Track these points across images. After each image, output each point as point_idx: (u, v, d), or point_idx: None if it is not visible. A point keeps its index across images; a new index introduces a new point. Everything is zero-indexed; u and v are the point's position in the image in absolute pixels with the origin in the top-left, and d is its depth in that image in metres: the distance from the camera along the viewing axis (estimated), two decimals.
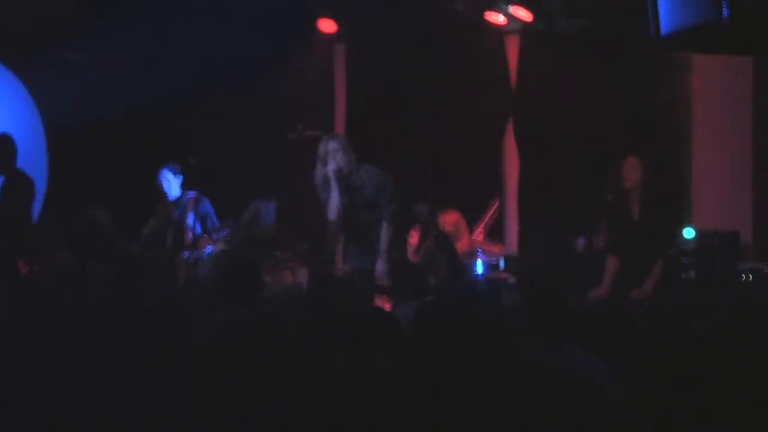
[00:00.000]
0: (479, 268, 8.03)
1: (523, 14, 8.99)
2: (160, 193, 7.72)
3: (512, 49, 9.51)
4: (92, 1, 8.60)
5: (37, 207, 7.99)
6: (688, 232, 7.23)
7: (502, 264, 8.21)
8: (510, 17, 9.10)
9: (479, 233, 8.31)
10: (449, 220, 8.28)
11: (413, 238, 8.22)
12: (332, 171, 6.88)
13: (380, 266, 6.85)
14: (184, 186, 7.83)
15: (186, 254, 7.56)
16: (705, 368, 3.51)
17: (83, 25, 8.53)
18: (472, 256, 8.11)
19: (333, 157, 6.91)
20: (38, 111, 9.09)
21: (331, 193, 6.93)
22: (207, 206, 7.76)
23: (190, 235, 7.60)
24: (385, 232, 6.96)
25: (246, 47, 9.09)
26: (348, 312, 4.24)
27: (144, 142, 9.04)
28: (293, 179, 9.77)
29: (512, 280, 7.95)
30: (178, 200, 7.76)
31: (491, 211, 8.55)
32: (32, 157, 8.56)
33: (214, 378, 3.48)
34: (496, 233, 8.99)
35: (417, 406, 3.26)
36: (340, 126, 10.16)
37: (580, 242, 8.21)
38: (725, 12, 3.52)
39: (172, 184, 7.78)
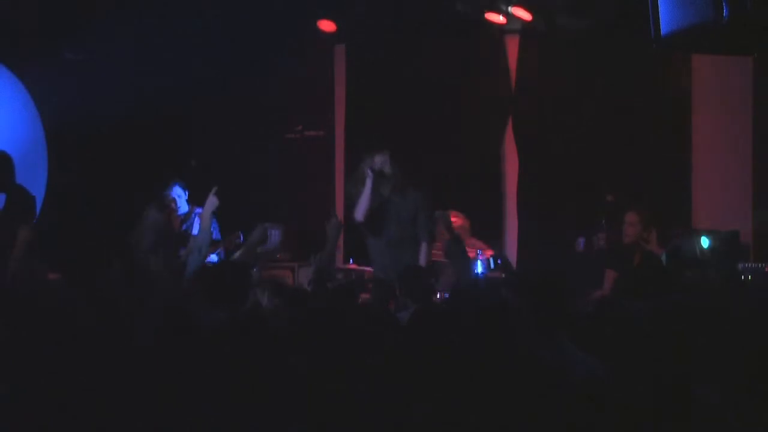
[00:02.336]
0: (479, 268, 8.02)
1: (523, 14, 8.99)
2: (171, 206, 7.73)
3: (512, 49, 9.51)
4: (92, 1, 8.59)
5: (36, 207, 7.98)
6: (704, 241, 7.30)
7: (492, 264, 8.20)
8: (510, 17, 9.09)
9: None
10: (455, 223, 8.25)
11: None
12: (371, 169, 6.93)
13: None
14: (190, 197, 7.85)
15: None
16: (705, 368, 3.52)
17: (83, 25, 8.52)
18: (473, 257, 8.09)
19: (379, 163, 6.98)
20: (38, 111, 9.08)
21: (364, 192, 6.98)
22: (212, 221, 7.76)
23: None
24: (423, 251, 7.02)
25: (246, 47, 9.09)
26: (347, 312, 4.24)
27: (143, 141, 9.04)
28: (293, 179, 9.78)
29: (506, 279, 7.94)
30: (186, 215, 7.76)
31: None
32: (32, 158, 8.56)
33: (214, 377, 3.48)
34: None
35: (416, 405, 3.26)
36: (339, 126, 10.15)
37: (580, 242, 8.22)
38: (725, 12, 3.52)
39: (181, 199, 7.80)
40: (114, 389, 3.47)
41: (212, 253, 7.62)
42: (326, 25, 9.63)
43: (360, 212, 7.08)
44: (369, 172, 6.99)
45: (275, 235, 7.02)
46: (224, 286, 4.81)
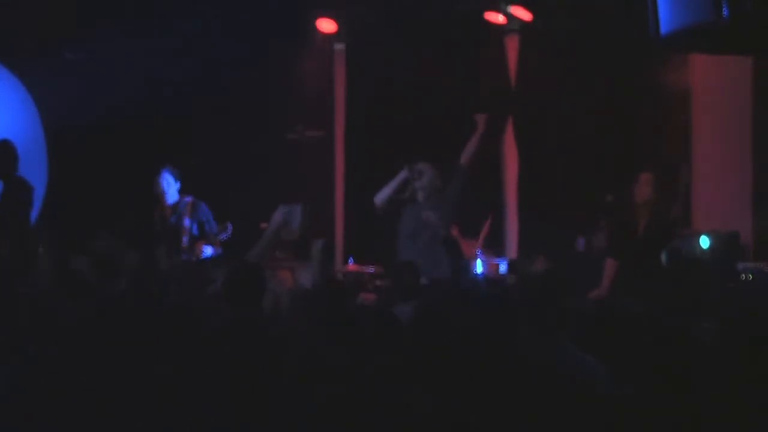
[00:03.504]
0: (479, 268, 8.02)
1: (523, 14, 8.99)
2: (159, 195, 7.69)
3: (512, 49, 9.51)
4: (92, 1, 8.60)
5: (36, 207, 7.98)
6: (704, 242, 7.30)
7: (504, 268, 8.19)
8: (510, 17, 9.09)
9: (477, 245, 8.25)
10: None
11: None
12: (408, 167, 7.14)
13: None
14: (183, 189, 7.81)
15: (183, 257, 7.54)
16: (704, 369, 3.51)
17: (83, 25, 8.53)
18: (472, 257, 8.09)
19: (420, 167, 7.30)
20: (38, 111, 9.09)
21: (392, 181, 7.36)
22: (204, 210, 7.70)
23: (185, 238, 7.58)
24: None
25: (246, 47, 9.09)
26: (348, 311, 4.25)
27: (143, 141, 9.04)
28: (293, 179, 9.77)
29: (512, 280, 7.94)
30: (175, 204, 7.72)
31: (486, 228, 8.48)
32: (32, 158, 8.56)
33: (217, 377, 3.48)
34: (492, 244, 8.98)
35: (416, 406, 3.26)
36: (340, 126, 10.15)
37: (580, 242, 8.22)
38: (725, 12, 3.53)
39: (171, 187, 7.74)
40: (114, 389, 3.47)
41: (209, 246, 7.60)
42: (326, 25, 9.63)
43: (379, 197, 7.46)
44: (405, 168, 7.30)
45: (296, 212, 7.06)
46: (241, 289, 4.78)
